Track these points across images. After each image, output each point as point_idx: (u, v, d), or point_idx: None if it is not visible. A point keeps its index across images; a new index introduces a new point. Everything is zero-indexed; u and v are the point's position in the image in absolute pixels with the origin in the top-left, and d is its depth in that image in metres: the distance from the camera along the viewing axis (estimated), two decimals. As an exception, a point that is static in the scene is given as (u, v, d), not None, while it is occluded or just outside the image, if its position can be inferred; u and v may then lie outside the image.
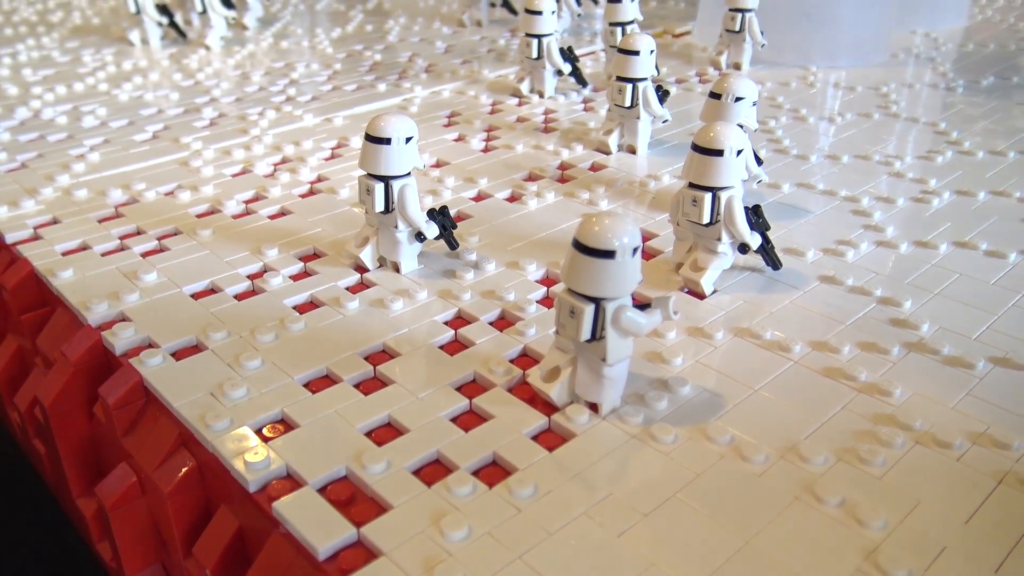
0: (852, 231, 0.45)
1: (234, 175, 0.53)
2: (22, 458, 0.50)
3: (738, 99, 0.45)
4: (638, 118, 0.55)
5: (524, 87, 0.67)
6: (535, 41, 0.65)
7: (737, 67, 0.74)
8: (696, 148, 0.39)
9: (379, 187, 0.39)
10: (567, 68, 0.66)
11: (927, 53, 0.80)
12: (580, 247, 0.29)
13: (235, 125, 0.61)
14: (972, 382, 0.33)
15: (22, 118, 0.63)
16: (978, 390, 0.33)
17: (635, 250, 0.29)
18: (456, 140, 0.59)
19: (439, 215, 0.41)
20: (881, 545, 0.26)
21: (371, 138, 0.39)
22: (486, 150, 0.57)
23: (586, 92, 0.68)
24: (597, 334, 0.30)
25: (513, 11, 0.90)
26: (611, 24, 0.68)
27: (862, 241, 0.44)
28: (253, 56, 0.80)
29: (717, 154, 0.38)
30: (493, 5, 0.89)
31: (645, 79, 0.54)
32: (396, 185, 0.39)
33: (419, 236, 0.41)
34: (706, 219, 0.39)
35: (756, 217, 0.40)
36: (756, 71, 0.74)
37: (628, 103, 0.54)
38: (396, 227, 0.40)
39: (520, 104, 0.66)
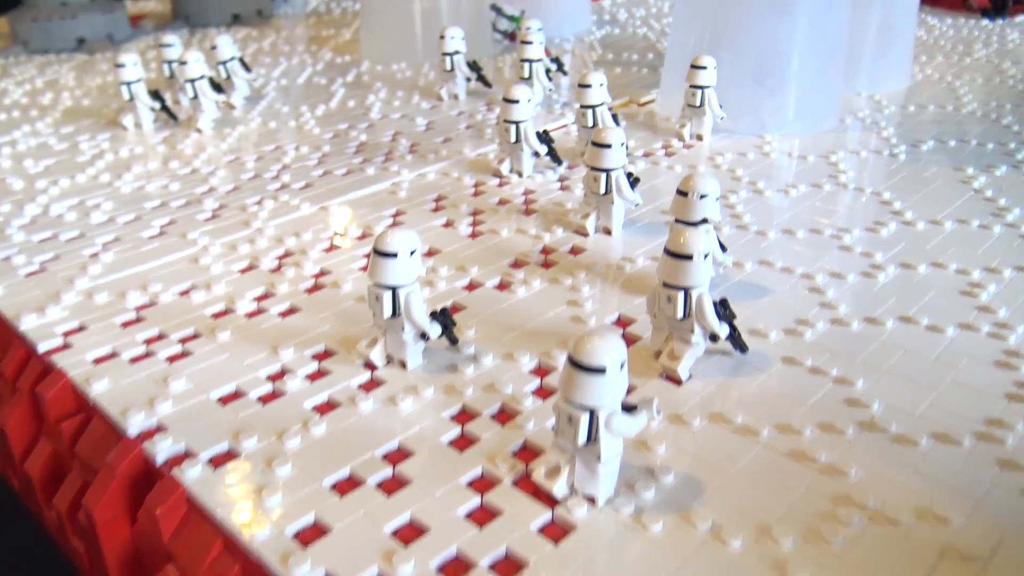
0: (809, 309, 0.51)
1: (241, 271, 0.57)
2: (56, 551, 0.53)
3: (702, 196, 0.50)
4: (612, 203, 0.60)
5: (504, 168, 0.72)
6: (513, 127, 0.70)
7: (700, 138, 0.80)
8: (668, 253, 0.44)
9: (387, 295, 0.44)
10: (543, 149, 0.71)
11: (872, 117, 0.86)
12: (575, 364, 0.34)
13: (236, 217, 0.65)
14: (917, 458, 0.38)
15: (32, 215, 0.67)
16: (922, 465, 0.38)
17: (622, 364, 0.34)
18: (445, 226, 0.64)
19: (440, 316, 0.46)
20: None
21: (379, 252, 0.44)
22: (473, 235, 0.62)
23: (561, 170, 0.73)
24: (592, 437, 0.35)
25: (487, 84, 0.96)
26: (582, 106, 0.73)
27: (818, 320, 0.49)
28: (244, 139, 0.84)
29: (687, 259, 0.43)
30: (468, 80, 0.94)
31: (617, 168, 0.59)
32: (402, 293, 0.44)
33: (423, 336, 0.46)
34: (680, 315, 0.44)
35: (723, 309, 0.45)
36: (717, 140, 0.80)
37: (603, 190, 0.59)
38: (403, 329, 0.45)
39: (501, 185, 0.71)
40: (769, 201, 0.67)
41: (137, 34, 1.40)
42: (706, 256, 0.44)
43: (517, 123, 0.70)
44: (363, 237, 0.62)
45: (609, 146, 0.58)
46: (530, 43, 0.86)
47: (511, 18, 1.21)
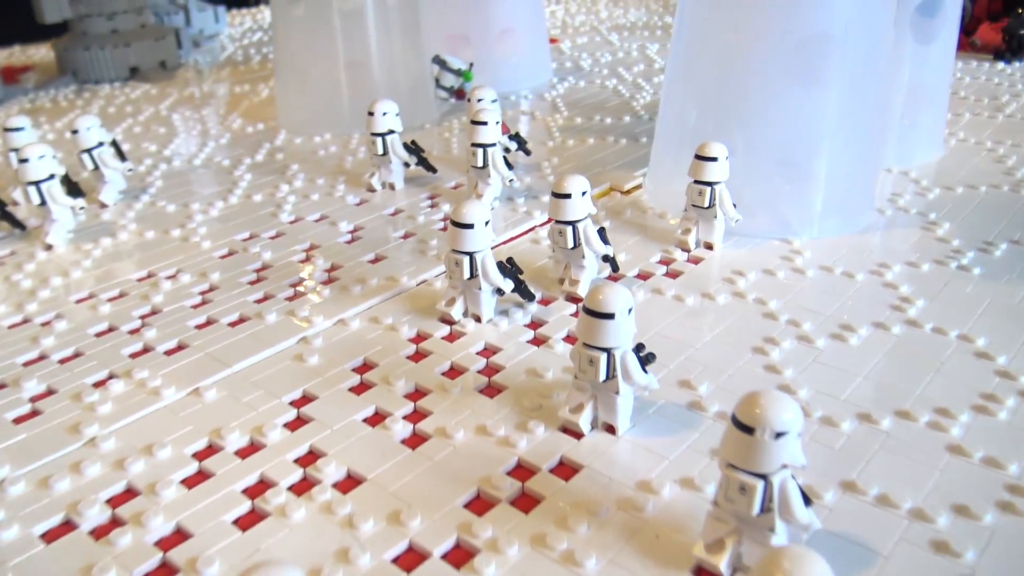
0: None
1: (45, 538, 0.37)
2: None
3: (779, 435, 0.31)
4: (616, 392, 0.41)
5: (455, 311, 0.52)
6: (466, 259, 0.50)
7: (708, 247, 0.62)
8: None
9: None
10: (508, 285, 0.52)
11: (915, 204, 0.69)
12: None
13: (64, 415, 0.44)
14: None
15: None
16: None
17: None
18: (370, 423, 0.44)
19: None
20: None
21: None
22: (413, 442, 0.42)
23: (532, 307, 0.54)
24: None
25: (431, 168, 0.76)
26: (558, 222, 0.54)
27: None
28: (108, 260, 0.63)
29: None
30: (407, 165, 0.75)
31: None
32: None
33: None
34: None
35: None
36: (730, 248, 0.62)
37: (603, 376, 0.40)
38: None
39: (452, 338, 0.51)
40: (825, 358, 0.48)
41: (12, 93, 1.17)
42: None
43: (471, 254, 0.50)
44: (251, 450, 0.42)
45: (613, 316, 0.40)
46: (483, 124, 0.66)
47: (458, 72, 1.02)
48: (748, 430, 0.32)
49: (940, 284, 0.56)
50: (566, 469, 0.41)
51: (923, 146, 0.78)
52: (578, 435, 0.42)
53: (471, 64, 1.03)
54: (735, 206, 0.61)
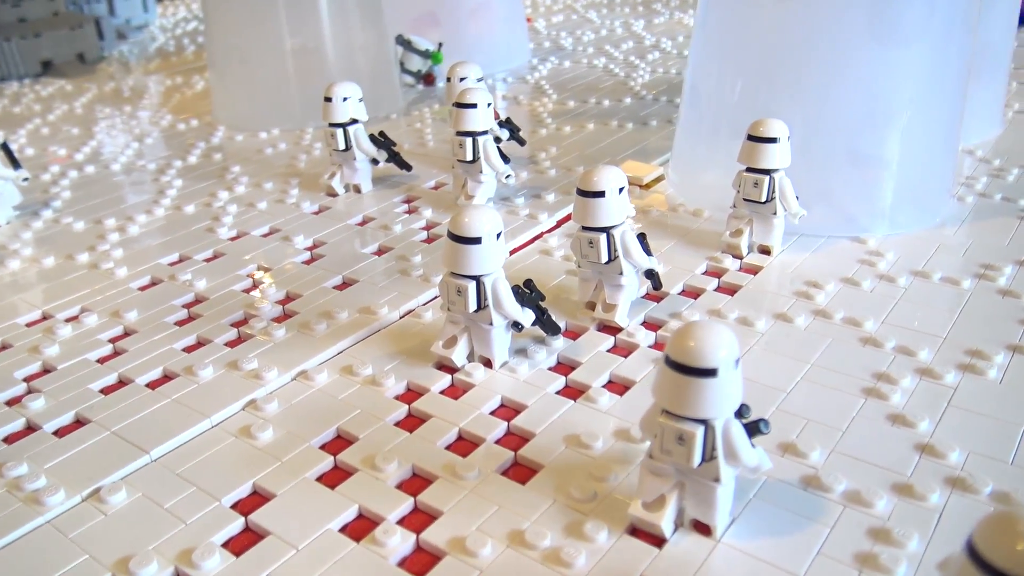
0: None
1: None
2: None
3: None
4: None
5: (457, 355, 0.38)
6: (471, 285, 0.37)
7: (765, 251, 0.49)
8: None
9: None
10: (528, 317, 0.38)
11: (993, 187, 0.57)
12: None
13: None
14: None
15: None
16: None
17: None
18: (352, 534, 0.30)
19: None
20: None
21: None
22: (418, 565, 0.29)
23: (558, 343, 0.41)
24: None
25: (405, 165, 0.62)
26: (586, 228, 0.41)
27: None
28: (-10, 297, 0.48)
29: None
30: (375, 162, 0.61)
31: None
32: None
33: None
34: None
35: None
36: (792, 253, 0.49)
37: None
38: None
39: (455, 392, 0.38)
40: (964, 400, 0.35)
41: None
42: None
43: (478, 279, 0.37)
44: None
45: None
46: (471, 107, 0.53)
47: (426, 54, 0.88)
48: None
49: (1069, 291, 0.44)
50: (650, 599, 0.28)
51: (983, 121, 0.67)
52: (656, 540, 0.29)
53: (440, 44, 0.89)
54: (798, 198, 0.48)
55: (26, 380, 0.40)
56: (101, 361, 0.41)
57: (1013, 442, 0.33)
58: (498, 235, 0.37)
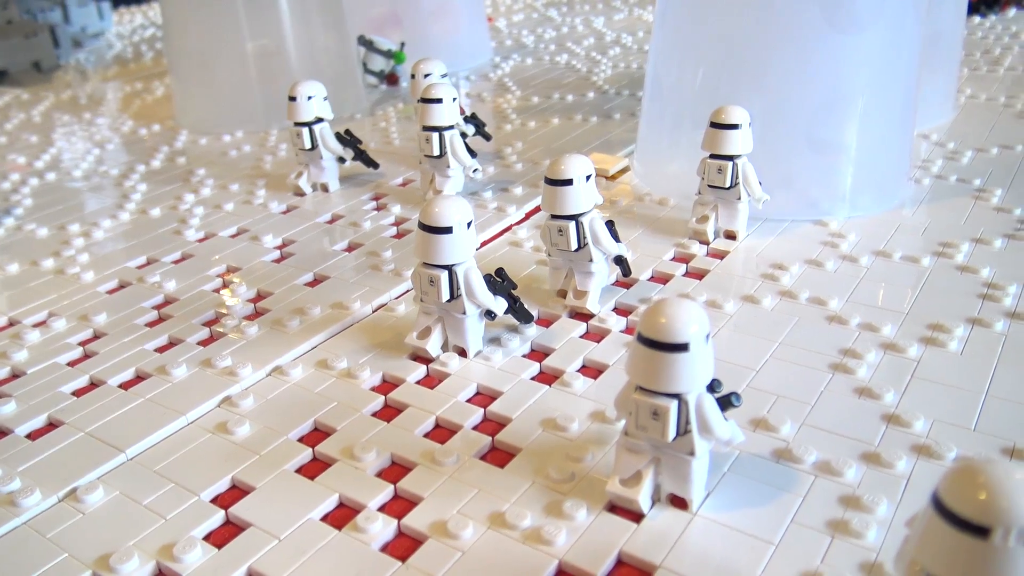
0: None
1: None
2: None
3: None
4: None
5: (432, 345, 0.39)
6: (443, 275, 0.37)
7: (731, 236, 0.50)
8: None
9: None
10: (501, 306, 0.39)
11: (948, 169, 0.59)
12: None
13: None
14: None
15: None
16: None
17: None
18: (334, 522, 0.30)
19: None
20: None
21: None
22: (400, 549, 0.29)
23: (531, 331, 0.41)
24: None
25: (371, 163, 0.62)
26: (555, 217, 0.42)
27: None
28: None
29: None
30: (342, 160, 0.61)
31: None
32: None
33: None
34: None
35: None
36: (757, 237, 0.50)
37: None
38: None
39: (431, 382, 0.38)
40: (928, 371, 0.36)
41: None
42: None
43: (450, 268, 0.37)
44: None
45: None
46: (436, 102, 0.53)
47: (388, 54, 0.88)
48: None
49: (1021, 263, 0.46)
50: (630, 572, 0.28)
51: (937, 105, 0.69)
52: (635, 515, 0.30)
53: (402, 44, 0.89)
54: (761, 184, 0.49)
55: (-6, 386, 0.40)
56: (71, 364, 0.41)
57: (975, 409, 0.34)
58: (469, 224, 0.37)
